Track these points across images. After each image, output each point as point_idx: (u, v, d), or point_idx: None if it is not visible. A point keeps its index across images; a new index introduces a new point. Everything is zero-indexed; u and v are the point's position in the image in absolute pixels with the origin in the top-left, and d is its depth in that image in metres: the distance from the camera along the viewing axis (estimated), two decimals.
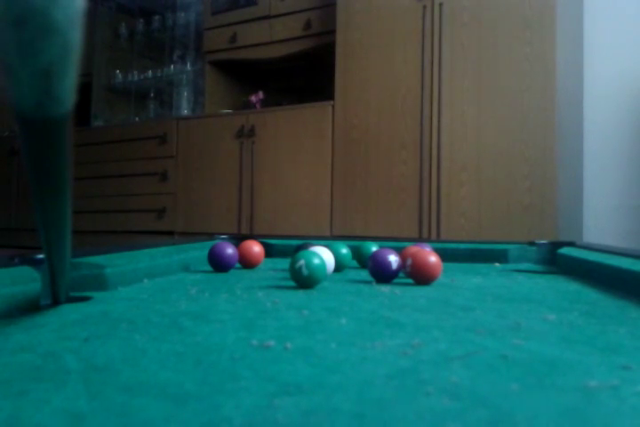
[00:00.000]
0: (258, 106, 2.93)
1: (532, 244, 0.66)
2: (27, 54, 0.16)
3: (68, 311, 0.33)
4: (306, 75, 2.06)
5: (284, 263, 0.56)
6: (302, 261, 0.42)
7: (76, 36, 0.16)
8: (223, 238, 0.67)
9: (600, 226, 1.96)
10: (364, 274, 0.50)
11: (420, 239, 1.75)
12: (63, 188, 0.22)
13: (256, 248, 0.58)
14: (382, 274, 0.47)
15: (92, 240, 2.95)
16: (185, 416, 0.16)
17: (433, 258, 0.46)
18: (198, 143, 2.89)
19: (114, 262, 0.44)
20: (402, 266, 0.47)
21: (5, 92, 0.18)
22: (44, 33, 0.16)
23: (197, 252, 0.61)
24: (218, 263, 0.54)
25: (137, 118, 3.45)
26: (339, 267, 0.54)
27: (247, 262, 0.58)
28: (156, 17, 3.39)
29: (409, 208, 1.73)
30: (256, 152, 2.60)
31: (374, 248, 0.58)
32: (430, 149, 1.71)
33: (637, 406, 0.17)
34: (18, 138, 0.20)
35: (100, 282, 0.41)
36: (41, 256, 0.35)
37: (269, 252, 0.66)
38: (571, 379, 0.20)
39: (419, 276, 0.46)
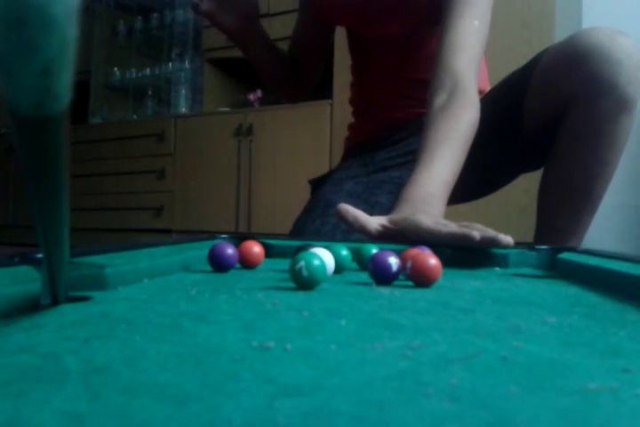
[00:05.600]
0: (256, 104, 2.92)
1: (531, 249, 0.66)
2: (27, 54, 0.16)
3: (68, 311, 0.33)
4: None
5: (284, 264, 0.56)
6: (302, 263, 0.42)
7: (73, 29, 0.16)
8: (224, 238, 0.67)
9: (599, 226, 1.96)
10: (364, 276, 0.51)
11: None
12: (61, 185, 0.22)
13: (256, 249, 0.58)
14: (382, 276, 0.47)
15: (89, 238, 2.94)
16: (185, 417, 0.16)
17: (433, 260, 0.46)
18: (196, 141, 2.88)
19: (114, 262, 0.44)
20: (402, 268, 0.47)
21: (2, 93, 0.17)
22: (44, 30, 0.16)
23: (197, 251, 0.60)
24: (218, 264, 0.54)
25: (135, 116, 3.45)
26: (339, 268, 0.54)
27: (247, 263, 0.58)
28: (155, 15, 3.39)
29: None
30: (254, 150, 2.60)
31: (374, 250, 0.58)
32: None
33: (636, 409, 0.17)
34: (14, 137, 0.20)
35: (99, 282, 0.41)
36: (41, 255, 0.35)
37: (269, 252, 0.66)
38: (570, 381, 0.20)
39: (419, 278, 0.46)
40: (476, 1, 0.91)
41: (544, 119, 1.01)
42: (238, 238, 0.67)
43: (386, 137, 1.21)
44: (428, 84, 1.05)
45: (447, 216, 0.75)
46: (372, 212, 1.04)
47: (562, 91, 0.96)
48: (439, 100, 0.88)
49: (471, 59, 0.90)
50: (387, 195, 1.13)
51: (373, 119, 1.25)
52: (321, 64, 1.30)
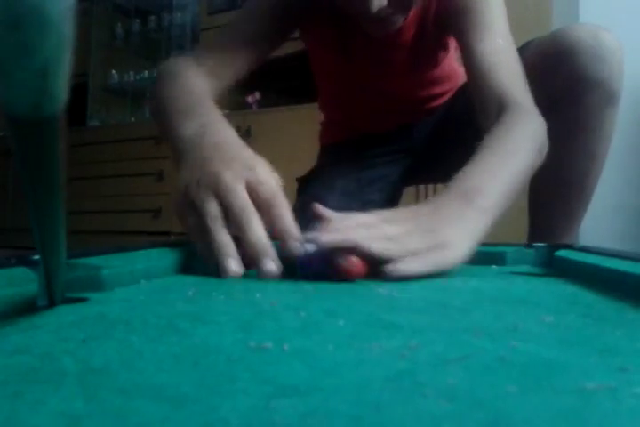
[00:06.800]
0: (254, 106, 2.91)
1: (529, 246, 0.66)
2: (23, 55, 0.16)
3: (65, 313, 0.33)
4: (303, 75, 2.07)
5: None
6: None
7: (69, 30, 0.16)
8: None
9: (596, 227, 1.96)
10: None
11: None
12: (57, 186, 0.22)
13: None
14: (304, 269, 0.49)
15: (87, 241, 2.93)
16: (182, 418, 0.16)
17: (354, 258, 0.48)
18: None
19: (110, 263, 0.44)
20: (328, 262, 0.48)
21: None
22: (41, 31, 0.16)
23: (195, 253, 0.60)
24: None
25: (133, 119, 3.44)
26: None
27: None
28: (152, 17, 3.38)
29: None
30: None
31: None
32: None
33: (634, 408, 0.17)
34: (10, 139, 0.20)
35: (96, 283, 0.41)
36: (38, 257, 0.35)
37: None
38: (568, 381, 0.20)
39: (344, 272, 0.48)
40: (492, 21, 0.85)
41: None
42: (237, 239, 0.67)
43: (371, 137, 1.20)
44: (428, 96, 1.03)
45: None
46: (364, 210, 1.04)
47: (547, 88, 0.96)
48: (489, 124, 0.75)
49: (511, 73, 0.81)
50: (378, 193, 1.12)
51: (353, 129, 1.22)
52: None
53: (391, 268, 0.47)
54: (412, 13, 0.92)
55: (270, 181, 0.54)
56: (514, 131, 0.70)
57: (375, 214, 0.54)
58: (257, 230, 0.50)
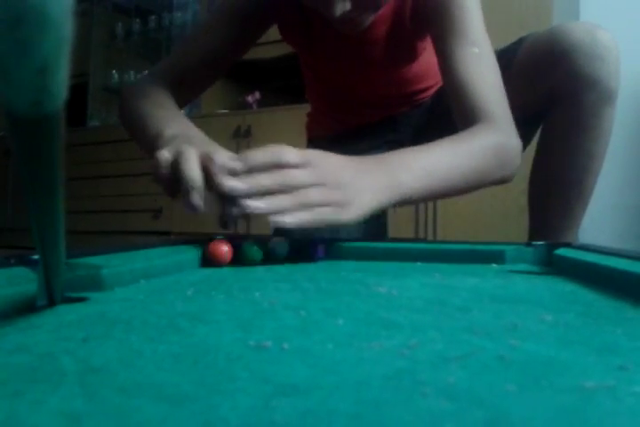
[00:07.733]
0: (254, 106, 2.91)
1: (528, 245, 0.66)
2: (23, 54, 0.16)
3: (65, 312, 0.33)
4: (303, 75, 2.07)
5: (279, 264, 0.56)
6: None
7: (69, 27, 0.16)
8: (220, 240, 0.67)
9: (596, 226, 1.96)
10: (361, 275, 0.51)
11: (416, 240, 1.75)
12: (56, 185, 0.22)
13: (225, 248, 0.60)
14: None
15: (88, 241, 2.93)
16: (181, 417, 0.16)
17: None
18: None
19: (110, 263, 0.44)
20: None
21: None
22: (41, 30, 0.16)
23: (194, 252, 0.60)
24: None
25: None
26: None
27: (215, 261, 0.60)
28: (153, 17, 3.38)
29: (405, 208, 1.73)
30: None
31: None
32: None
33: (633, 407, 0.17)
34: (10, 137, 0.20)
35: (96, 283, 0.41)
36: (37, 257, 0.35)
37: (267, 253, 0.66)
38: (567, 379, 0.20)
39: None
40: (467, 28, 0.82)
41: (523, 112, 1.01)
42: (235, 239, 0.67)
43: (355, 130, 1.19)
44: (404, 96, 1.01)
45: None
46: None
47: (543, 87, 0.95)
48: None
49: (487, 85, 0.80)
50: None
51: (337, 121, 1.22)
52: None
53: (274, 218, 0.50)
54: (385, 9, 0.91)
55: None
56: (473, 139, 0.74)
57: (308, 155, 0.55)
58: (192, 167, 0.52)
